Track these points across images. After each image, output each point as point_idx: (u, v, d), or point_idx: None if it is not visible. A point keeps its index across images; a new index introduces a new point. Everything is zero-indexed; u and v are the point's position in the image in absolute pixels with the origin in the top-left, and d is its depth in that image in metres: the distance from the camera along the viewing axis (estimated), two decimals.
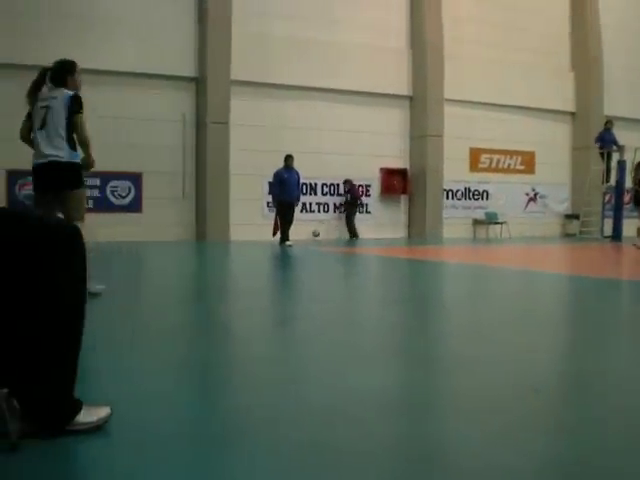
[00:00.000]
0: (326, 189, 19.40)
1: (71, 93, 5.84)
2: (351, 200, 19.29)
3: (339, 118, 19.36)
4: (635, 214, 17.09)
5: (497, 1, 21.51)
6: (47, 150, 5.74)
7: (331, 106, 19.27)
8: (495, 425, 2.57)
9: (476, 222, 21.50)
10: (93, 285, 5.60)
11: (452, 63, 20.41)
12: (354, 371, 3.44)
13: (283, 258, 12.84)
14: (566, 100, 22.97)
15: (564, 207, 22.86)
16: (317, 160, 18.85)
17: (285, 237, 15.71)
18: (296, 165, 16.09)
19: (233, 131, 17.71)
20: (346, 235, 19.25)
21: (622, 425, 2.62)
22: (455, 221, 21.01)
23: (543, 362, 3.81)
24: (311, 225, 18.96)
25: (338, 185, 19.60)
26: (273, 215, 16.57)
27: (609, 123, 20.08)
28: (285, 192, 15.72)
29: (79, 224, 4.76)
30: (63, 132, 5.77)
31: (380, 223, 20.17)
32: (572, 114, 23.25)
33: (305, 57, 18.65)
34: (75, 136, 5.83)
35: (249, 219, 18.12)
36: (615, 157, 19.73)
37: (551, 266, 11.24)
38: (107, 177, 16.61)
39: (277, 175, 15.91)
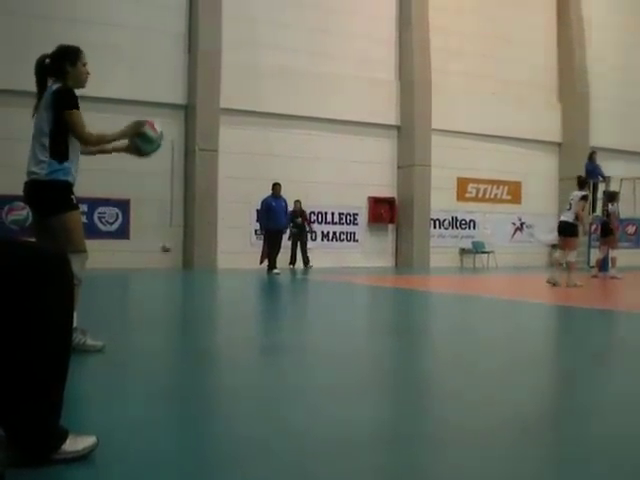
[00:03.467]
0: (314, 217, 19.42)
1: (55, 87, 4.61)
2: (302, 224, 18.07)
3: (327, 147, 19.47)
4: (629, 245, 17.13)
5: (485, 34, 21.77)
6: (30, 166, 4.59)
7: (320, 135, 19.39)
8: (480, 458, 2.57)
9: (463, 251, 21.58)
10: (89, 339, 4.73)
11: (440, 94, 20.60)
12: (341, 402, 3.44)
13: (270, 287, 12.83)
14: (553, 131, 23.20)
15: (551, 237, 22.95)
16: (306, 188, 18.91)
17: (273, 265, 15.69)
18: (284, 193, 16.13)
19: (222, 159, 17.77)
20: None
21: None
22: (442, 250, 21.07)
23: (530, 396, 3.82)
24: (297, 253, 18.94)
25: (326, 213, 19.64)
26: (261, 243, 16.59)
27: (594, 154, 20.27)
28: (273, 220, 15.75)
29: (77, 257, 4.38)
30: (46, 140, 4.54)
31: (367, 252, 20.22)
32: (559, 145, 23.46)
33: (295, 87, 18.79)
34: (70, 145, 4.63)
35: (237, 247, 18.09)
36: (601, 188, 19.89)
37: (536, 296, 11.27)
38: (95, 203, 16.60)
39: (265, 203, 15.95)
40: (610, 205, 16.51)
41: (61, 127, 4.54)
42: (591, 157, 20.20)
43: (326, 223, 19.69)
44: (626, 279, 15.14)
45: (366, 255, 20.13)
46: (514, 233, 22.46)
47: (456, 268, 20.73)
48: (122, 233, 17.12)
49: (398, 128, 20.67)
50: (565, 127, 23.23)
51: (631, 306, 9.47)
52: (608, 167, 20.46)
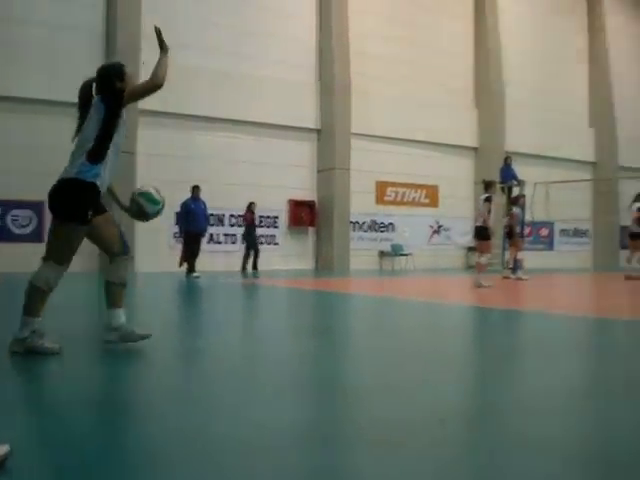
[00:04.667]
0: (234, 220, 19.36)
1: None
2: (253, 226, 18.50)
3: (248, 149, 19.46)
4: (541, 247, 17.65)
5: (404, 39, 22.12)
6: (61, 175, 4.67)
7: (240, 138, 19.36)
8: (401, 456, 2.62)
9: (382, 254, 21.84)
10: (46, 342, 4.67)
11: (359, 98, 20.83)
12: (261, 404, 3.45)
13: (189, 290, 12.71)
14: (469, 136, 23.72)
15: (467, 239, 23.46)
16: (225, 191, 18.86)
17: (192, 268, 15.56)
18: (204, 196, 16.00)
19: (140, 161, 17.54)
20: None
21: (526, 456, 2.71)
22: (362, 253, 21.30)
23: (448, 393, 3.90)
24: (218, 256, 18.86)
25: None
26: (180, 246, 16.43)
27: (509, 159, 20.75)
28: (192, 223, 15.59)
29: (50, 266, 4.63)
30: (90, 145, 4.62)
31: (287, 254, 20.28)
32: (475, 149, 24.00)
33: (215, 89, 18.73)
34: (110, 150, 4.67)
35: (155, 250, 17.89)
36: (515, 191, 20.38)
37: (453, 297, 11.50)
38: (8, 205, 16.16)
39: (184, 206, 15.78)
40: (514, 208, 16.97)
41: (107, 130, 4.64)
42: (506, 161, 20.69)
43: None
44: (532, 281, 15.59)
45: (286, 258, 20.20)
46: (431, 236, 22.87)
47: (375, 270, 20.97)
48: (36, 236, 16.58)
49: (318, 131, 20.81)
50: (481, 132, 23.79)
51: (533, 307, 9.77)
52: (523, 171, 20.99)
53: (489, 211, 13.30)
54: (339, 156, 20.53)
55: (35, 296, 4.67)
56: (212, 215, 18.15)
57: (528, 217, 19.85)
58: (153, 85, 4.67)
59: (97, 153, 4.60)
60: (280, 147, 20.07)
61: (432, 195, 22.95)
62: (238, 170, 19.24)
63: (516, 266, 16.75)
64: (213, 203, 17.29)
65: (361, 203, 21.16)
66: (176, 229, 17.40)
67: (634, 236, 17.02)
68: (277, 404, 3.44)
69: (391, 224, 22.11)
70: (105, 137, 4.65)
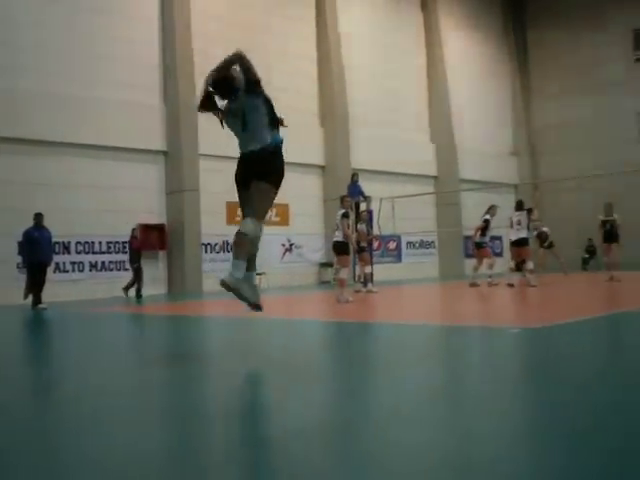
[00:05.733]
0: (80, 247, 18.71)
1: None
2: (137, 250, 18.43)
3: (93, 174, 18.89)
4: (390, 260, 18.22)
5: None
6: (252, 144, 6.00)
7: (82, 162, 18.76)
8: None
9: None
10: None
11: (207, 119, 20.61)
12: (105, 431, 3.33)
13: (34, 323, 12.17)
14: (316, 154, 24.10)
15: (319, 256, 23.78)
16: (71, 218, 18.23)
17: (38, 300, 14.87)
18: (48, 223, 15.35)
19: None
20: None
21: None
22: (215, 274, 21.08)
23: (301, 407, 3.91)
24: (64, 286, 18.15)
25: (93, 243, 18.99)
26: (24, 277, 15.65)
27: (355, 176, 21.24)
28: (36, 252, 14.92)
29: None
30: (266, 118, 6.08)
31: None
32: (322, 167, 24.41)
33: (58, 112, 18.07)
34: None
35: None
36: (362, 207, 20.87)
37: (307, 314, 11.60)
38: None
39: (27, 234, 15.06)
40: (359, 224, 17.49)
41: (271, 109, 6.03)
42: (353, 178, 21.17)
43: (94, 253, 19.01)
44: (383, 293, 16.02)
45: (127, 284, 19.61)
46: (284, 254, 23.00)
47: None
48: None
49: (165, 153, 20.50)
50: (327, 150, 24.23)
51: (386, 318, 10.03)
52: (370, 187, 21.55)
53: (348, 226, 13.65)
54: (188, 178, 20.30)
55: (244, 242, 5.85)
56: (57, 243, 17.47)
57: (376, 231, 20.40)
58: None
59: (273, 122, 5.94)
60: (126, 170, 19.60)
61: (283, 213, 23.10)
62: (84, 195, 18.63)
63: (366, 280, 17.19)
64: (58, 231, 16.64)
65: (212, 224, 21.00)
66: (19, 259, 16.61)
67: (479, 245, 17.88)
68: (127, 431, 3.34)
69: None
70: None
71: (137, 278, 18.35)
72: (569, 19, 32.07)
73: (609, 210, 18.29)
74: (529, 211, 17.20)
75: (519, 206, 17.25)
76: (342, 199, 14.40)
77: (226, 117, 6.11)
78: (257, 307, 6.24)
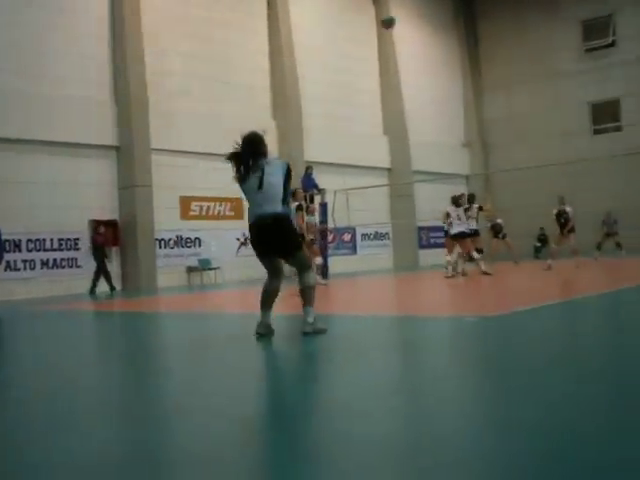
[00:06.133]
0: (32, 245, 18.43)
1: (283, 161, 7.29)
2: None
3: (44, 170, 18.61)
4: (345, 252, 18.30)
5: (202, 54, 22.12)
6: (268, 209, 6.71)
7: (35, 158, 18.47)
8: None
9: (190, 269, 21.62)
10: None
11: (158, 114, 20.55)
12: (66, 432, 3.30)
13: None
14: (269, 147, 23.85)
15: None
16: (20, 215, 17.93)
17: None
18: None
19: None
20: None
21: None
22: (169, 270, 20.97)
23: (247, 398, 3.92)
24: (14, 284, 17.85)
25: (44, 240, 18.70)
26: None
27: (309, 168, 21.27)
28: None
29: None
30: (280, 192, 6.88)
31: (91, 276, 19.49)
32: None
33: (6, 108, 17.74)
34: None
35: None
36: (317, 200, 20.90)
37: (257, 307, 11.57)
38: None
39: None
40: (306, 217, 17.54)
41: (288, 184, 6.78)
42: (307, 171, 21.19)
43: (45, 250, 18.72)
44: (337, 284, 16.09)
45: (90, 280, 19.41)
46: (239, 248, 22.90)
47: (184, 287, 20.71)
48: None
49: (117, 148, 20.27)
50: (281, 143, 24.18)
51: (340, 310, 10.07)
52: (324, 180, 21.62)
53: (302, 219, 13.63)
54: (140, 173, 20.11)
55: (313, 292, 6.84)
56: (7, 241, 17.16)
57: (330, 224, 20.46)
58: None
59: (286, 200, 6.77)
60: (77, 166, 19.34)
61: (237, 208, 22.97)
62: (34, 192, 18.33)
63: (323, 272, 17.23)
64: (8, 228, 16.35)
65: (166, 219, 20.85)
66: None
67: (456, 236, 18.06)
68: (83, 432, 3.31)
69: (197, 239, 21.93)
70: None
71: (103, 273, 18.72)
72: (519, 10, 32.47)
73: (562, 202, 18.71)
74: (468, 208, 17.76)
75: (456, 201, 17.51)
76: (295, 192, 14.35)
77: (247, 175, 6.75)
78: (325, 331, 6.84)
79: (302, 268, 6.83)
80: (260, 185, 6.56)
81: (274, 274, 6.99)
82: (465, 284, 14.77)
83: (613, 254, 23.55)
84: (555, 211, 18.73)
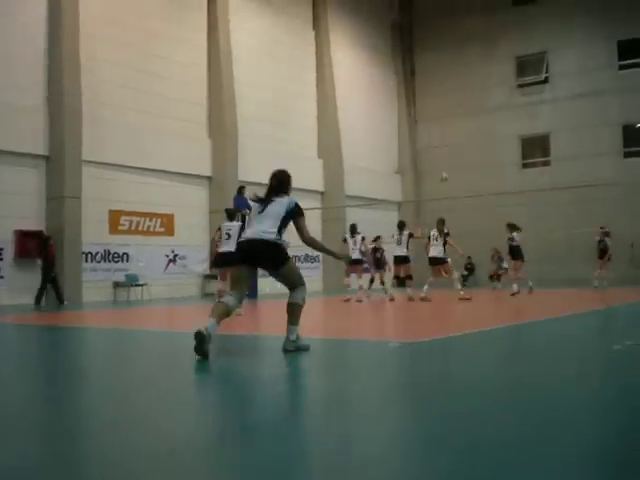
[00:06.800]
0: None
1: (293, 200, 7.38)
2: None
3: None
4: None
5: (139, 67, 21.96)
6: (259, 232, 7.14)
7: None
8: None
9: (117, 285, 21.28)
10: None
11: (92, 125, 20.26)
12: None
13: None
14: (203, 165, 23.94)
15: (203, 268, 23.54)
16: None
17: None
18: None
19: None
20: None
21: None
22: (95, 284, 20.58)
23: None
24: None
25: None
26: None
27: (242, 188, 21.18)
28: None
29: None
30: (278, 223, 7.22)
31: (15, 288, 19.01)
32: (209, 178, 24.25)
33: None
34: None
35: None
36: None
37: (187, 326, 11.47)
38: None
39: None
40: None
41: (287, 221, 7.20)
42: (240, 191, 21.11)
43: None
44: (261, 306, 16.04)
45: (13, 292, 18.92)
46: (167, 265, 22.67)
47: (109, 302, 20.35)
48: None
49: (47, 158, 19.86)
50: (215, 162, 24.11)
51: (260, 331, 10.06)
52: None
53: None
54: (70, 184, 19.71)
55: (298, 311, 7.09)
56: None
57: None
58: (304, 235, 7.47)
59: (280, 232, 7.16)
60: (2, 174, 18.87)
61: (168, 224, 22.80)
62: None
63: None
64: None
65: (94, 233, 20.48)
66: None
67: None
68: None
69: (126, 254, 21.61)
70: (284, 224, 7.23)
71: (57, 286, 18.64)
72: (455, 44, 33.19)
73: (509, 230, 19.54)
74: (410, 234, 18.25)
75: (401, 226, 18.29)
76: (232, 212, 14.15)
77: (260, 202, 7.20)
78: (308, 348, 7.05)
79: (292, 286, 7.14)
80: (263, 209, 7.09)
81: (237, 288, 7.09)
82: (396, 309, 14.89)
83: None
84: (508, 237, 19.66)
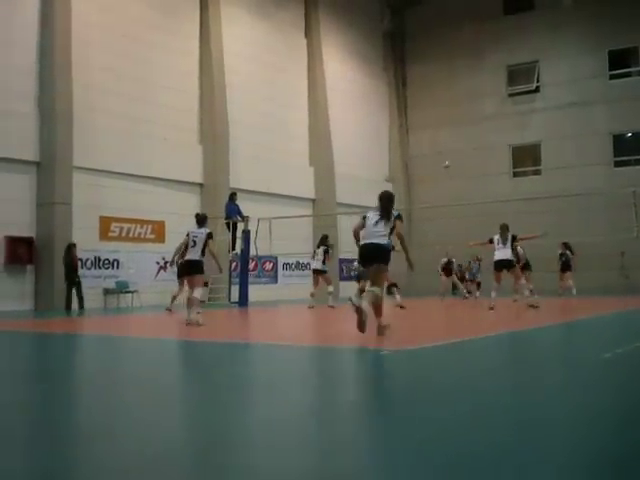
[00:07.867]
0: None
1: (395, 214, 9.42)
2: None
3: None
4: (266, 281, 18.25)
5: (130, 74, 21.95)
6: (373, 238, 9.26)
7: None
8: None
9: (107, 291, 21.20)
10: None
11: (83, 131, 20.22)
12: None
13: None
14: (195, 172, 23.92)
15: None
16: None
17: None
18: None
19: None
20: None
21: None
22: (86, 291, 20.45)
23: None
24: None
25: None
26: None
27: (234, 195, 21.23)
28: None
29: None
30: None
31: (4, 295, 18.90)
32: (200, 185, 24.23)
33: None
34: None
35: None
36: (240, 227, 20.82)
37: (170, 334, 11.45)
38: None
39: None
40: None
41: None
42: (231, 198, 21.14)
43: None
44: (256, 313, 16.02)
45: (2, 299, 18.81)
46: (158, 272, 22.60)
47: (99, 309, 20.27)
48: None
49: (37, 164, 19.80)
50: (206, 168, 24.11)
51: (246, 338, 10.04)
52: (248, 207, 21.60)
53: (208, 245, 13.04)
54: (60, 190, 19.65)
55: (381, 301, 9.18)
56: None
57: (253, 252, 20.43)
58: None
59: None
60: None
61: (158, 231, 22.75)
62: None
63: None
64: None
65: (84, 239, 20.40)
66: None
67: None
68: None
69: (116, 260, 21.55)
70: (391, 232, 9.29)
71: (80, 291, 19.34)
72: (447, 54, 33.36)
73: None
74: None
75: None
76: (202, 218, 13.77)
77: (375, 216, 9.22)
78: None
79: (376, 278, 9.16)
80: (377, 223, 9.14)
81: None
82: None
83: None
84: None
